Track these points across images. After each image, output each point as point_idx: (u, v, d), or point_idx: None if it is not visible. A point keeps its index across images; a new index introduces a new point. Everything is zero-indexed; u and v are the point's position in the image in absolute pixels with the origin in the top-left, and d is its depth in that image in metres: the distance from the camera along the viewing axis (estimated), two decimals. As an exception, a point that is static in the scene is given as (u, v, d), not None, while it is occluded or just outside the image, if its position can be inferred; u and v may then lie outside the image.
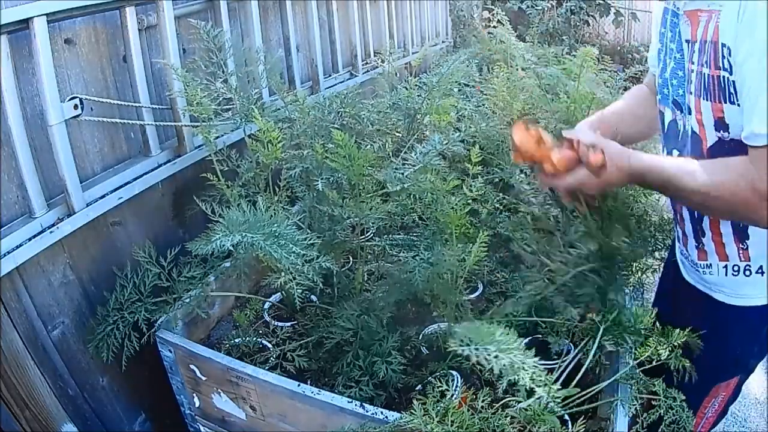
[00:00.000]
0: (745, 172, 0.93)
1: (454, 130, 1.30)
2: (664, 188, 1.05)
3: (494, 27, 2.98)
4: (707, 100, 1.04)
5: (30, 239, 1.21)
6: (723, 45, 0.97)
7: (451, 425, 0.89)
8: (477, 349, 0.80)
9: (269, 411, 1.24)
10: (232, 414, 1.31)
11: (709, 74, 1.01)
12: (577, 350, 1.22)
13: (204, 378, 1.30)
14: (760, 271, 1.12)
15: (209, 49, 1.45)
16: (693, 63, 1.07)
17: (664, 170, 1.02)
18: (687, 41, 1.09)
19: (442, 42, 3.75)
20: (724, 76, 0.98)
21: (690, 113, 1.10)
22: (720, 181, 0.96)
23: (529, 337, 1.31)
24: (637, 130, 1.39)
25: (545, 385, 0.84)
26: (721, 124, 1.02)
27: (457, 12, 3.92)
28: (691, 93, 1.09)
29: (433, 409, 0.92)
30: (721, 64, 0.98)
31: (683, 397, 1.06)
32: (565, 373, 1.16)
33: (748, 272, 1.13)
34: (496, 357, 0.79)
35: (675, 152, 1.21)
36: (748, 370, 1.26)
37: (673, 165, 1.03)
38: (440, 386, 1.00)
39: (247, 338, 1.37)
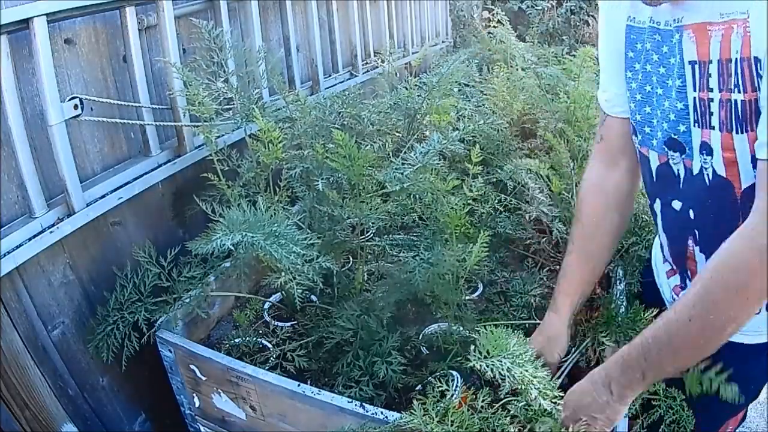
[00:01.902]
0: (744, 239, 0.79)
1: (453, 129, 1.30)
2: (670, 354, 0.87)
3: (494, 27, 2.98)
4: (742, 131, 0.85)
5: (30, 239, 1.21)
6: (756, 60, 0.80)
7: (451, 425, 0.90)
8: (492, 363, 0.81)
9: (269, 411, 1.24)
10: (232, 414, 1.31)
11: (742, 100, 0.84)
12: (577, 351, 1.22)
13: (204, 378, 1.30)
14: None
15: (210, 49, 1.45)
16: (708, 90, 0.88)
17: (634, 344, 0.89)
18: (692, 63, 0.90)
19: (442, 42, 3.75)
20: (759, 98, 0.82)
21: (709, 153, 0.92)
22: (718, 269, 0.81)
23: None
24: (618, 236, 1.19)
25: (553, 398, 0.85)
26: None
27: (457, 12, 3.92)
28: (711, 128, 0.90)
29: (433, 409, 0.92)
30: (757, 84, 0.81)
31: (683, 396, 1.06)
32: (565, 373, 1.16)
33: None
34: (508, 370, 0.80)
35: (677, 203, 1.04)
36: (756, 396, 1.19)
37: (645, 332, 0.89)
38: (440, 386, 1.00)
39: (247, 338, 1.37)
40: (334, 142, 1.16)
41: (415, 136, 1.71)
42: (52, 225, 1.26)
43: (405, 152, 1.34)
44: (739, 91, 0.83)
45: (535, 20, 3.80)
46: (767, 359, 1.08)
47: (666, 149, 1.00)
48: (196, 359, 1.28)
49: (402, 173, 1.19)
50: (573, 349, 1.24)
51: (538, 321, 1.34)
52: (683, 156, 0.97)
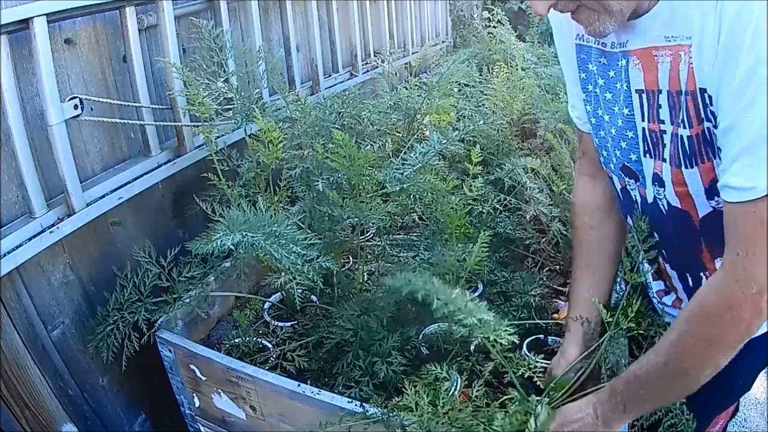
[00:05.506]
0: (718, 286, 0.78)
1: (453, 129, 1.30)
2: (647, 393, 0.88)
3: (494, 27, 2.99)
4: (692, 166, 0.83)
5: (30, 239, 1.21)
6: (702, 90, 0.76)
7: (442, 407, 0.89)
8: (428, 296, 0.75)
9: (269, 411, 1.24)
10: (232, 414, 1.31)
11: (689, 135, 0.81)
12: (594, 359, 1.21)
13: (204, 378, 1.30)
14: None
15: (210, 49, 1.45)
16: (660, 122, 0.84)
17: (620, 380, 0.91)
18: (640, 92, 0.86)
19: (442, 42, 3.74)
20: (708, 128, 0.78)
21: (661, 185, 0.90)
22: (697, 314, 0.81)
23: (531, 337, 1.31)
24: (621, 240, 1.15)
25: (498, 329, 0.78)
26: (716, 189, 0.81)
27: (457, 12, 3.91)
28: (663, 160, 0.87)
29: (424, 392, 0.92)
30: (704, 115, 0.77)
31: (683, 399, 1.05)
32: (583, 377, 1.15)
33: None
34: (445, 305, 0.74)
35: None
36: (746, 390, 1.18)
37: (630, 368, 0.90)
38: (434, 370, 1.00)
39: (247, 338, 1.37)
40: (334, 142, 1.16)
41: (415, 136, 1.71)
42: (52, 225, 1.26)
43: (405, 152, 1.34)
44: (685, 127, 0.80)
45: (535, 20, 3.80)
46: (756, 354, 1.06)
47: (622, 175, 0.98)
48: (196, 359, 1.28)
49: (402, 173, 1.19)
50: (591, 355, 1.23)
51: (537, 320, 1.34)
52: (638, 184, 0.96)
